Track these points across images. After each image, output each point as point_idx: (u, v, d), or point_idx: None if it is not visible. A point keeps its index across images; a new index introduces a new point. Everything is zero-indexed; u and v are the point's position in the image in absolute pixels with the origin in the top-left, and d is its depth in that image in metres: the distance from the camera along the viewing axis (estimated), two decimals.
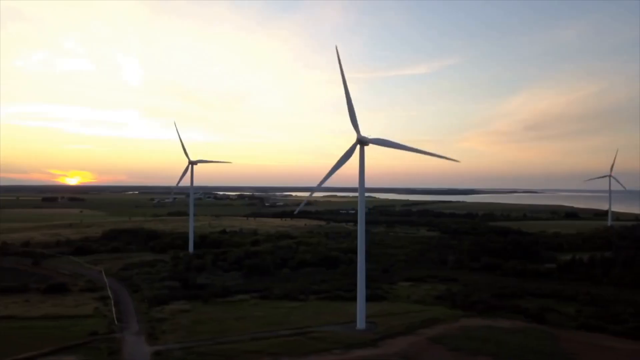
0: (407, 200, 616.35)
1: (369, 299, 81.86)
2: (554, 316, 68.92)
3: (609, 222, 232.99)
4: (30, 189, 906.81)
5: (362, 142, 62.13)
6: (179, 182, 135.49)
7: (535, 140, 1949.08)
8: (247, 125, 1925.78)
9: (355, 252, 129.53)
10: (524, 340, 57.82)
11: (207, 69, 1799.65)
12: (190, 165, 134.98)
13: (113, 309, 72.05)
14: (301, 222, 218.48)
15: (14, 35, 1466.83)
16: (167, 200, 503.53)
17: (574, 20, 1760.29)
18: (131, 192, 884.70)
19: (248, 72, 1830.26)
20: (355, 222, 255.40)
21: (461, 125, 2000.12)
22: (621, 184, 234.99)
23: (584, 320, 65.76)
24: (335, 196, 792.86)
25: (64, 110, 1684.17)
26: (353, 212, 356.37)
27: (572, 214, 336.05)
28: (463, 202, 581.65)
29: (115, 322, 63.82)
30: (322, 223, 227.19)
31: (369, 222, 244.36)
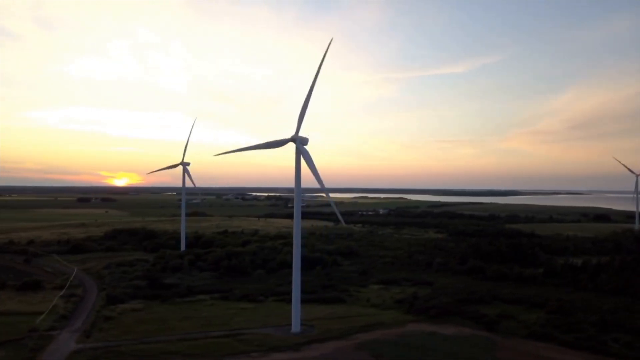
0: (437, 202, 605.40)
1: (329, 301, 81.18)
2: (510, 323, 65.31)
3: (637, 225, 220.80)
4: (77, 190, 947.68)
5: (294, 141, 60.91)
6: (152, 172, 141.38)
7: (582, 140, 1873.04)
8: (285, 127, 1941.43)
9: (341, 253, 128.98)
10: (457, 348, 55.07)
11: (246, 70, 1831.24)
12: (182, 166, 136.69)
13: (52, 304, 73.47)
14: (308, 223, 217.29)
15: (64, 41, 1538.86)
16: (194, 201, 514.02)
17: (620, 16, 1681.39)
18: (169, 193, 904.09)
19: (286, 73, 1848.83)
20: (364, 223, 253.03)
21: (503, 125, 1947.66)
22: (636, 186, 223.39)
23: (535, 328, 62.08)
24: (366, 197, 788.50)
25: (109, 113, 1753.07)
26: (372, 212, 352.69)
27: (602, 216, 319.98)
28: (495, 203, 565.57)
29: (37, 321, 64.45)
30: (330, 224, 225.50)
31: (379, 224, 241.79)
